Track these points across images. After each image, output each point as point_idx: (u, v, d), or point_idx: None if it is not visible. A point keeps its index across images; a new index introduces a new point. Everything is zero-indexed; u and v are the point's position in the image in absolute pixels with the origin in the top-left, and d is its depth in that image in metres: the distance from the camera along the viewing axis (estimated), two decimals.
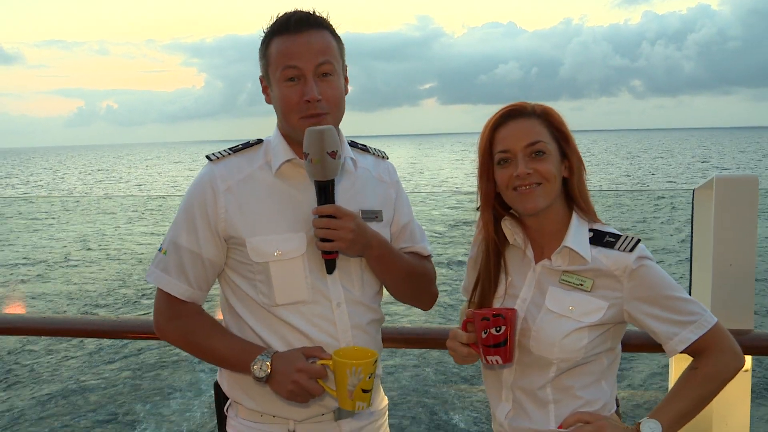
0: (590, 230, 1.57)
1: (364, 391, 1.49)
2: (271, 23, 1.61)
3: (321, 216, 1.54)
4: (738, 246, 2.02)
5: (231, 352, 1.60)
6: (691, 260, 2.27)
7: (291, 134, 1.63)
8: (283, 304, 1.60)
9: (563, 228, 1.57)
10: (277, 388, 1.54)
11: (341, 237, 1.54)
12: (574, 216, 1.58)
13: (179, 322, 1.65)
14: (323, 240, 1.55)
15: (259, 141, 1.71)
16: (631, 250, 1.50)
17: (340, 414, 1.66)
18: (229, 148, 1.70)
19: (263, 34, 1.63)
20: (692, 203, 2.24)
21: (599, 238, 1.55)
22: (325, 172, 1.52)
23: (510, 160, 1.54)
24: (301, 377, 1.50)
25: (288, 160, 1.63)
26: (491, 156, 1.57)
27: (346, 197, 1.64)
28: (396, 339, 2.03)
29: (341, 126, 1.68)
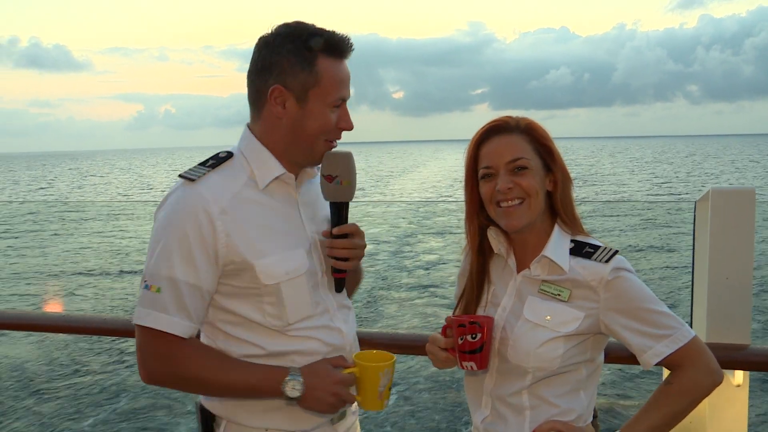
0: (572, 241, 1.57)
1: (389, 388, 1.60)
2: (319, 38, 1.51)
3: (337, 236, 1.59)
4: (734, 259, 1.97)
5: (255, 380, 1.52)
6: (692, 273, 2.23)
7: (295, 152, 1.58)
8: (294, 322, 1.58)
9: (546, 239, 1.58)
10: (314, 404, 1.52)
11: (358, 255, 1.60)
12: (556, 227, 1.59)
13: (181, 363, 1.51)
14: (339, 259, 1.59)
15: (230, 154, 1.60)
16: (607, 261, 1.51)
17: (339, 417, 1.68)
18: (202, 165, 1.58)
19: (306, 42, 1.51)
20: (694, 215, 2.20)
21: (579, 249, 1.56)
22: (351, 193, 1.59)
23: (492, 175, 1.56)
24: (340, 389, 1.53)
25: (277, 177, 1.59)
26: (475, 171, 1.60)
27: (319, 209, 1.67)
28: (387, 345, 2.05)
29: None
